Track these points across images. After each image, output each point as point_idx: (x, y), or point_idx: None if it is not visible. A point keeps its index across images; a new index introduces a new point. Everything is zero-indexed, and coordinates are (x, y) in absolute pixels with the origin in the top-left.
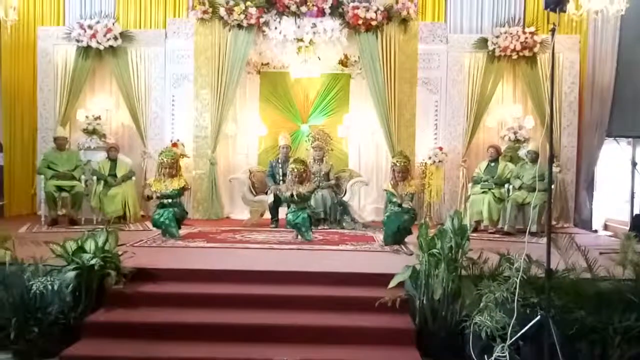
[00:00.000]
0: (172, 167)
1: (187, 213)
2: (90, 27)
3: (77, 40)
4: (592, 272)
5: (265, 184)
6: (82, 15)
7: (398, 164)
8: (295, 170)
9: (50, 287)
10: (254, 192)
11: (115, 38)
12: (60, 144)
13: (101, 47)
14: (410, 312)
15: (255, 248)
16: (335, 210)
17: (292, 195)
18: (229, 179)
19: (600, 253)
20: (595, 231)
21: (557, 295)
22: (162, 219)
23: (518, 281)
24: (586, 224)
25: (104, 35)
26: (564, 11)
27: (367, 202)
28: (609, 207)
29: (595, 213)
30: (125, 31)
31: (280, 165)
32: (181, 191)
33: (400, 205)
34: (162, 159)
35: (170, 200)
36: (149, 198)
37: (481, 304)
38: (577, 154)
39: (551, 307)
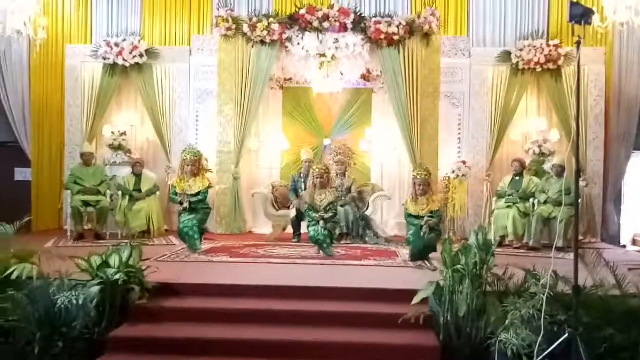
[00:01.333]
0: (194, 165)
1: (210, 209)
2: (116, 44)
3: (104, 58)
4: (621, 289)
5: (287, 198)
6: (109, 33)
7: (419, 177)
8: (317, 170)
9: (75, 301)
10: (276, 207)
11: (141, 55)
12: (86, 159)
13: (127, 64)
14: (435, 329)
15: (278, 263)
16: (357, 225)
17: (322, 218)
18: (252, 193)
19: (630, 269)
20: (624, 246)
21: (586, 312)
22: (185, 229)
23: (545, 298)
24: (614, 239)
25: (130, 53)
26: (590, 24)
27: (389, 217)
28: (637, 221)
29: (623, 228)
30: (151, 48)
31: (302, 180)
32: (207, 192)
33: (421, 227)
34: (184, 157)
35: (197, 198)
36: (181, 203)
37: (507, 321)
38: (603, 167)
39: (579, 325)
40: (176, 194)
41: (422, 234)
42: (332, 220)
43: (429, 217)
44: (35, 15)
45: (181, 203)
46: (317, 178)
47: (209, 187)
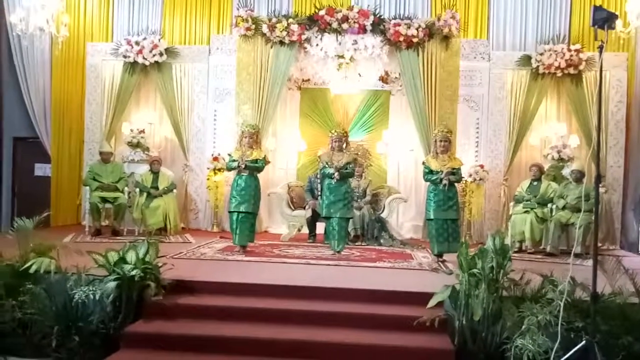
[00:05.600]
0: (251, 137)
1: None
2: (137, 43)
3: (125, 56)
4: None
5: (303, 199)
6: (129, 31)
7: (440, 134)
8: (335, 134)
9: (92, 296)
10: (292, 207)
11: (161, 54)
12: (105, 158)
13: (147, 63)
14: (449, 332)
15: (293, 263)
16: (373, 226)
17: (337, 169)
18: (268, 193)
19: None
20: None
21: (603, 319)
22: (235, 224)
23: (562, 304)
24: (633, 247)
25: (150, 51)
26: (613, 28)
27: (405, 219)
28: None
29: None
30: (171, 47)
31: (319, 181)
32: (265, 162)
33: (441, 181)
34: (243, 129)
35: (255, 165)
36: (239, 167)
37: (523, 327)
38: (624, 174)
39: (597, 332)
40: (234, 160)
41: (441, 186)
42: (345, 173)
43: (449, 171)
44: (58, 13)
45: (239, 166)
46: (335, 142)
47: (266, 159)
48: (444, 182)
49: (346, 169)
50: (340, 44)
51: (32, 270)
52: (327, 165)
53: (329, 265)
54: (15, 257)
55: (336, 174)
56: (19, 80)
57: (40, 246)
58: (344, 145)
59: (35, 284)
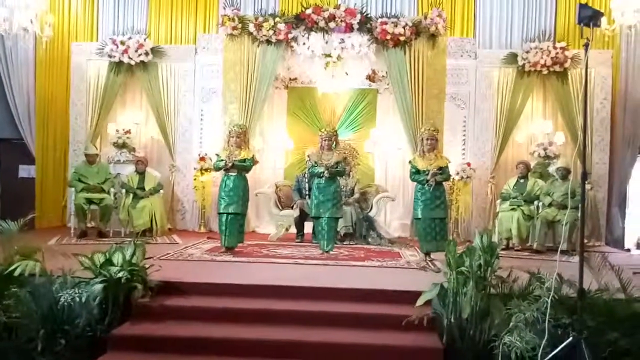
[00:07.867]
0: (239, 137)
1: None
2: (122, 42)
3: (110, 56)
4: (626, 293)
5: (291, 198)
6: (114, 31)
7: (426, 132)
8: (325, 133)
9: (78, 299)
10: (280, 207)
11: (147, 53)
12: (90, 160)
13: (132, 62)
14: (438, 330)
15: (281, 263)
16: (361, 225)
17: (326, 168)
18: (255, 193)
19: (634, 273)
20: (628, 250)
21: (590, 316)
22: (224, 226)
23: (549, 301)
24: (618, 243)
25: (136, 51)
26: (598, 26)
27: (393, 218)
28: None
29: (627, 231)
30: (156, 47)
31: (307, 180)
32: (253, 161)
33: (427, 182)
34: (230, 128)
35: (243, 165)
36: (226, 165)
37: (511, 324)
38: (609, 171)
39: (584, 329)
40: (221, 160)
41: (427, 187)
42: (336, 172)
43: (435, 171)
44: (42, 13)
45: (226, 165)
46: (324, 140)
47: (254, 159)
48: (430, 182)
49: (336, 167)
50: (327, 42)
51: (16, 273)
52: (316, 164)
53: (317, 265)
54: None
55: (326, 171)
56: (2, 81)
57: (25, 249)
58: (334, 144)
59: (20, 287)
